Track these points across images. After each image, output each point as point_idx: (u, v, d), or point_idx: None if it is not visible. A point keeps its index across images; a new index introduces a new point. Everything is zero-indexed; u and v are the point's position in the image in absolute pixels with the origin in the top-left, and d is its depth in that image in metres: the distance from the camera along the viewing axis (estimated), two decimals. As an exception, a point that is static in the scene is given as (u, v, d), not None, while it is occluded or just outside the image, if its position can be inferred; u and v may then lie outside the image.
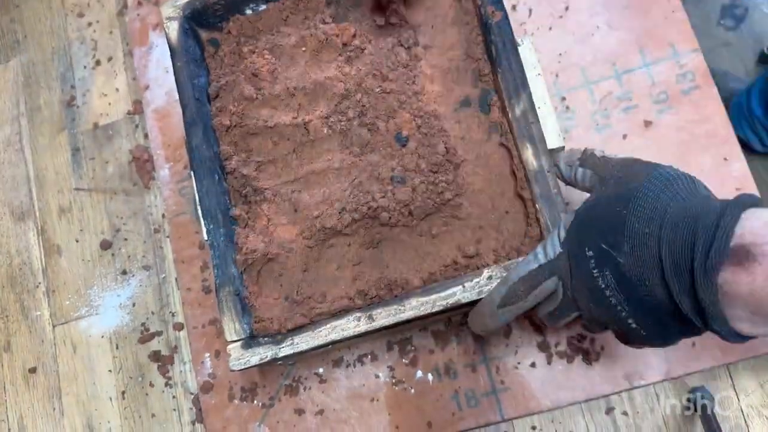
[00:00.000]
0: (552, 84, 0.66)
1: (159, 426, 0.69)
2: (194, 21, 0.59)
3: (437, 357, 0.62)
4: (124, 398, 0.71)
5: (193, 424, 0.68)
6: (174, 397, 0.68)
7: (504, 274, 0.48)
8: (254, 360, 0.51)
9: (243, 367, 0.51)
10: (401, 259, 0.54)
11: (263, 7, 0.60)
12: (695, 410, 0.55)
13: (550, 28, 0.67)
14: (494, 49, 0.53)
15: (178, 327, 0.70)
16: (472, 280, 0.49)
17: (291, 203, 0.57)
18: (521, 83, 0.52)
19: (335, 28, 0.57)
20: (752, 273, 0.32)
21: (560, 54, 0.66)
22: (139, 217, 0.74)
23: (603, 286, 0.40)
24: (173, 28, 0.58)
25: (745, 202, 0.35)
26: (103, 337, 0.71)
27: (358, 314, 0.50)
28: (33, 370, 0.72)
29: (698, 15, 1.37)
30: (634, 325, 0.40)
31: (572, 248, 0.42)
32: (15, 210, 0.79)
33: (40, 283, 0.76)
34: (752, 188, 0.60)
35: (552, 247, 0.44)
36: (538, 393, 0.60)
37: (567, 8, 0.67)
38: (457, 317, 0.62)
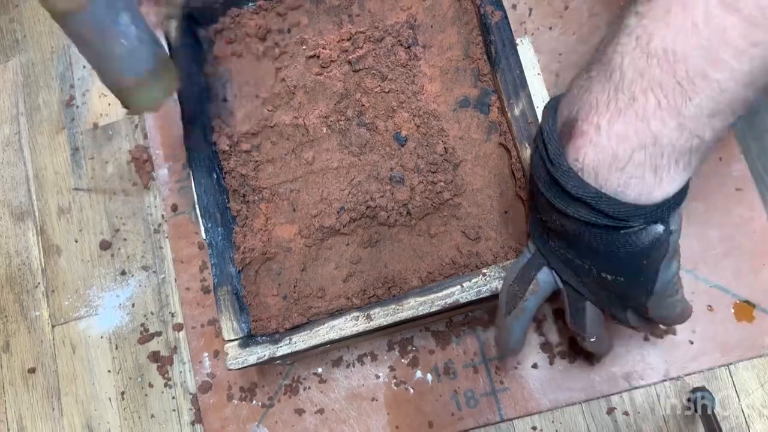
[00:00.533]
0: (552, 83, 0.66)
1: (158, 426, 0.68)
2: (193, 19, 0.59)
3: (437, 357, 0.62)
4: (123, 399, 0.71)
5: (193, 424, 0.68)
6: (173, 397, 0.68)
7: (503, 274, 0.48)
8: (252, 359, 0.51)
9: (240, 366, 0.51)
10: (400, 259, 0.54)
11: (262, 4, 0.60)
12: (696, 410, 0.55)
13: (550, 28, 0.67)
14: (493, 49, 0.53)
15: (178, 327, 0.70)
16: (470, 280, 0.49)
17: (289, 202, 0.57)
18: (520, 83, 0.52)
19: (335, 27, 0.57)
20: (581, 134, 0.35)
21: (560, 54, 0.66)
22: (138, 217, 0.74)
23: (558, 250, 0.42)
24: (172, 27, 0.58)
25: (553, 101, 0.40)
26: (102, 337, 0.71)
27: (356, 314, 0.50)
28: (32, 371, 0.72)
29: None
30: (609, 277, 0.40)
31: (535, 235, 0.45)
32: (14, 210, 0.79)
33: (39, 283, 0.76)
34: (752, 188, 0.60)
35: (533, 242, 0.45)
36: (537, 393, 0.60)
37: (567, 8, 0.67)
38: (458, 317, 0.62)
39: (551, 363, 0.60)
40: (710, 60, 0.31)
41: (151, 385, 0.70)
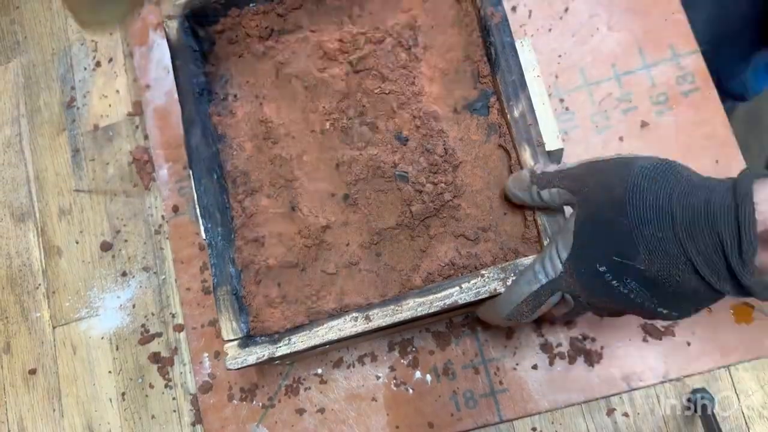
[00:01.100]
0: (551, 85, 0.66)
1: (159, 427, 0.69)
2: (194, 19, 0.60)
3: (437, 358, 0.62)
4: (124, 399, 0.71)
5: (193, 425, 0.68)
6: (174, 398, 0.68)
7: (501, 276, 0.48)
8: (251, 359, 0.51)
9: (240, 366, 0.51)
10: (399, 260, 0.54)
11: (262, 5, 0.60)
12: (695, 411, 0.55)
13: (550, 30, 0.67)
14: (493, 51, 0.53)
15: (178, 328, 0.70)
16: (469, 281, 0.49)
17: (289, 202, 0.57)
18: (520, 84, 0.52)
19: (336, 28, 0.58)
20: None
21: (560, 55, 0.66)
22: (139, 218, 0.74)
23: (626, 291, 0.40)
24: (173, 27, 0.58)
25: (746, 185, 0.35)
26: (103, 338, 0.71)
27: (356, 314, 0.50)
28: (33, 372, 0.72)
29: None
30: (664, 312, 0.40)
31: (579, 268, 0.42)
32: (15, 211, 0.79)
33: (40, 284, 0.76)
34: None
35: (552, 267, 0.44)
36: (536, 394, 0.60)
37: (567, 9, 0.67)
38: (458, 318, 0.62)
39: (551, 364, 0.60)
40: None
41: (151, 386, 0.70)
